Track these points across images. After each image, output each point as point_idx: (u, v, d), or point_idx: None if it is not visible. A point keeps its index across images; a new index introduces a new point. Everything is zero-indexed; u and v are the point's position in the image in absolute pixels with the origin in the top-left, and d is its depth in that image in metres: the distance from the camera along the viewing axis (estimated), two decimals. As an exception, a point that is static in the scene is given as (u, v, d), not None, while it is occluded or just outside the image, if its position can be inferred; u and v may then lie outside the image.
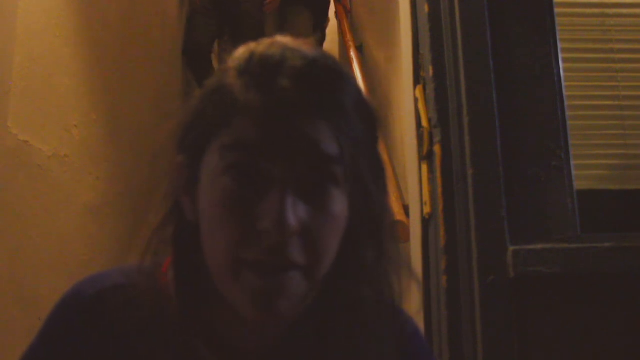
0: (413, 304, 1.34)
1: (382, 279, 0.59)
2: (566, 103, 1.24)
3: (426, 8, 1.29)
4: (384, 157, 2.17)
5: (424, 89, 1.31)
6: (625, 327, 1.12)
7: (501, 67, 1.22)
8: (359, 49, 3.68)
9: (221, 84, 0.55)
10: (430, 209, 1.25)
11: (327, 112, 0.51)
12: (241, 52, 0.56)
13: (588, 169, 1.35)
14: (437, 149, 1.23)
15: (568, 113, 1.24)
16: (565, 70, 1.27)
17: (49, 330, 0.62)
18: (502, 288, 1.11)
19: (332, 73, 0.54)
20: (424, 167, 1.28)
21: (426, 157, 1.27)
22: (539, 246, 1.12)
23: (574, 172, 1.21)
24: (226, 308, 0.55)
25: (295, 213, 0.49)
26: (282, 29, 3.95)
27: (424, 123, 1.27)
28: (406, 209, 1.84)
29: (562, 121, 1.22)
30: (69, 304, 0.62)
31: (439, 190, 1.20)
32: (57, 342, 0.61)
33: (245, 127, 0.51)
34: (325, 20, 4.37)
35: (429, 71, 1.27)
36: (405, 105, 1.47)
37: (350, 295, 0.56)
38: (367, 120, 0.56)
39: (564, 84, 1.24)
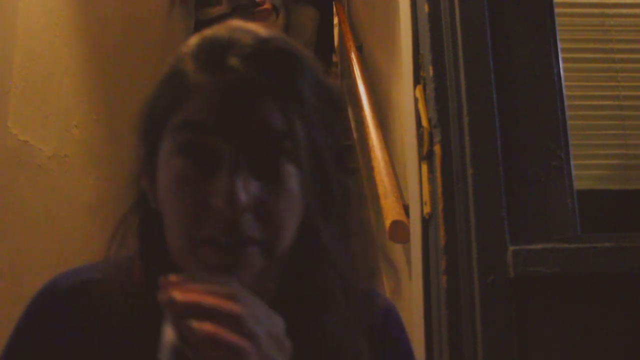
0: (413, 304, 1.34)
1: (347, 259, 0.58)
2: (566, 103, 1.24)
3: (426, 8, 1.29)
4: (384, 155, 2.17)
5: (424, 89, 1.31)
6: (625, 327, 1.12)
7: (501, 67, 1.22)
8: (359, 49, 3.68)
9: (174, 68, 0.56)
10: (430, 209, 1.25)
11: (278, 90, 0.52)
12: (194, 37, 0.57)
13: (588, 169, 1.35)
14: (437, 149, 1.23)
15: (568, 113, 1.24)
16: (565, 70, 1.27)
17: (26, 322, 0.63)
18: (502, 288, 1.11)
19: (283, 53, 0.54)
20: (424, 167, 1.28)
21: (426, 157, 1.27)
22: (539, 246, 1.12)
23: (574, 172, 1.21)
24: None
25: (247, 189, 0.49)
26: (285, 28, 3.97)
27: (424, 123, 1.27)
28: (406, 209, 1.84)
29: (562, 121, 1.22)
30: (46, 296, 0.63)
31: (439, 190, 1.20)
32: (34, 334, 0.61)
33: (195, 107, 0.52)
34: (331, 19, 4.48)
35: (429, 71, 1.27)
36: (405, 105, 1.47)
37: (313, 277, 0.56)
38: (325, 101, 0.56)
39: (564, 84, 1.24)
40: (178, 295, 0.45)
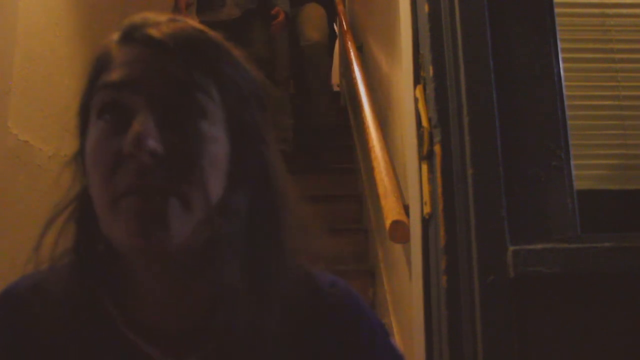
0: (413, 304, 1.34)
1: (279, 237, 0.59)
2: (566, 103, 1.24)
3: (426, 8, 1.29)
4: (384, 155, 2.16)
5: (424, 89, 1.31)
6: (625, 327, 1.12)
7: (501, 67, 1.22)
8: (359, 49, 3.68)
9: (100, 50, 0.60)
10: (430, 209, 1.25)
11: (192, 59, 0.55)
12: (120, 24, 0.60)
13: (588, 169, 1.35)
14: (437, 149, 1.23)
15: (568, 113, 1.24)
16: (565, 70, 1.27)
17: None
18: (502, 288, 1.11)
19: (201, 33, 0.57)
20: (424, 167, 1.28)
21: (426, 157, 1.27)
22: (539, 246, 1.12)
23: (574, 172, 1.21)
24: (140, 288, 0.57)
25: (156, 135, 0.51)
26: (295, 24, 3.84)
27: (424, 123, 1.27)
28: (406, 209, 1.84)
29: (562, 121, 1.22)
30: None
31: (439, 190, 1.20)
32: None
33: (113, 71, 0.55)
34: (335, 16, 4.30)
35: (429, 71, 1.27)
36: (405, 105, 1.47)
37: (248, 255, 0.56)
38: (245, 81, 0.59)
39: (564, 84, 1.24)
40: None
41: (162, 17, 0.57)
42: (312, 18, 3.84)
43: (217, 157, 0.55)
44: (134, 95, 0.53)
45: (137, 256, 0.55)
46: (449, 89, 1.24)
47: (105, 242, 0.57)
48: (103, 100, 0.54)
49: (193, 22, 0.59)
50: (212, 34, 0.59)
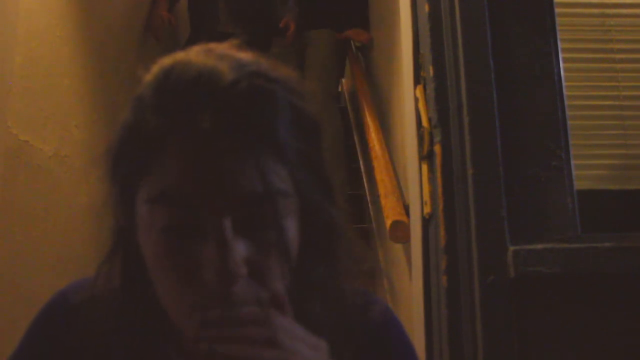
0: (413, 304, 1.34)
1: (337, 293, 0.58)
2: (566, 103, 1.24)
3: (426, 8, 1.29)
4: (384, 155, 2.16)
5: (424, 89, 1.31)
6: (625, 327, 1.12)
7: (501, 67, 1.22)
8: (359, 49, 3.68)
9: (137, 111, 0.52)
10: (430, 209, 1.25)
11: (254, 145, 0.49)
12: (155, 72, 0.52)
13: (588, 169, 1.35)
14: (437, 149, 1.23)
15: (568, 113, 1.24)
16: (565, 70, 1.27)
17: (32, 335, 0.63)
18: (502, 288, 1.11)
19: (260, 96, 0.50)
20: (424, 167, 1.28)
21: (426, 157, 1.27)
22: (539, 246, 1.12)
23: (574, 172, 1.21)
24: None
25: (236, 256, 0.47)
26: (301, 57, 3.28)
27: (424, 123, 1.27)
28: (406, 209, 1.84)
29: (562, 121, 1.22)
30: (53, 310, 0.62)
31: (439, 190, 1.20)
32: (40, 348, 0.61)
33: (168, 176, 0.49)
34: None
35: (429, 71, 1.27)
36: (406, 105, 1.47)
37: (306, 312, 0.54)
38: (307, 132, 0.54)
39: (564, 84, 1.24)
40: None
41: (214, 81, 0.49)
42: (319, 59, 3.20)
43: (294, 246, 0.52)
44: (201, 213, 0.48)
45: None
46: (449, 89, 1.24)
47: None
48: (165, 216, 0.49)
49: (254, 72, 0.50)
50: (277, 81, 0.51)
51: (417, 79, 1.34)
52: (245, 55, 0.54)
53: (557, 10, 1.29)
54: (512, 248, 1.12)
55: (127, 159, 0.53)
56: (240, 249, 0.48)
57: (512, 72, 1.23)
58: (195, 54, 0.52)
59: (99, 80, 2.24)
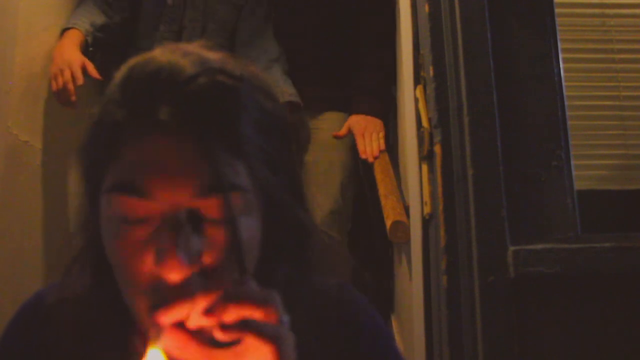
0: (414, 304, 1.34)
1: (304, 291, 0.57)
2: (566, 103, 1.24)
3: (426, 8, 1.29)
4: (384, 155, 2.14)
5: (424, 89, 1.31)
6: (625, 327, 1.12)
7: (501, 67, 1.22)
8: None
9: (102, 112, 0.54)
10: (430, 209, 1.25)
11: (213, 140, 0.49)
12: (122, 70, 0.54)
13: (588, 169, 1.35)
14: (437, 149, 1.23)
15: (568, 113, 1.24)
16: (565, 70, 1.27)
17: (8, 337, 0.63)
18: (502, 288, 1.11)
19: (220, 92, 0.51)
20: (424, 167, 1.28)
21: (426, 157, 1.27)
22: (539, 246, 1.12)
23: (574, 172, 1.21)
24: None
25: (190, 250, 0.48)
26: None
27: (424, 123, 1.27)
28: (407, 209, 1.84)
29: (562, 121, 1.22)
30: (28, 311, 0.63)
31: (439, 190, 1.20)
32: (14, 349, 0.62)
33: (125, 167, 0.50)
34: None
35: (429, 71, 1.27)
36: (406, 105, 1.47)
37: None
38: (272, 131, 0.54)
39: (564, 84, 1.25)
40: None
41: (177, 74, 0.50)
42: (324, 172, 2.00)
43: (253, 246, 0.52)
44: (155, 204, 0.49)
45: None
46: (449, 89, 1.24)
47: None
48: (119, 206, 0.50)
49: (217, 69, 0.51)
50: (241, 78, 0.52)
51: (417, 79, 1.34)
52: (212, 54, 0.54)
53: (557, 10, 1.29)
54: (512, 248, 1.12)
55: (93, 152, 0.54)
56: (193, 242, 0.48)
57: (512, 72, 1.23)
58: (161, 52, 0.53)
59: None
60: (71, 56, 1.62)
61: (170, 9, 1.90)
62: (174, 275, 0.47)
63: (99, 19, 1.81)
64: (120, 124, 0.51)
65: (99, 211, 0.53)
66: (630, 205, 1.33)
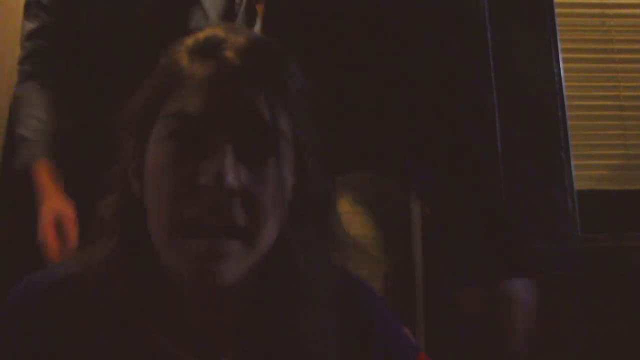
0: (415, 304, 1.34)
1: (323, 255, 0.59)
2: (566, 103, 1.24)
3: (426, 8, 1.29)
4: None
5: (424, 89, 1.31)
6: (625, 326, 1.12)
7: (501, 67, 1.22)
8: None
9: (168, 60, 0.57)
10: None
11: (267, 84, 0.53)
12: (188, 37, 0.58)
13: (588, 169, 1.35)
14: (437, 149, 1.23)
15: (568, 113, 1.24)
16: (565, 70, 1.27)
17: (3, 323, 0.59)
18: (502, 288, 1.11)
19: (273, 51, 0.56)
20: (424, 167, 1.28)
21: (426, 157, 1.27)
22: (539, 246, 1.12)
23: (574, 172, 1.21)
24: (176, 290, 0.56)
25: (236, 173, 0.50)
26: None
27: (424, 123, 1.27)
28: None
29: (562, 121, 1.22)
30: (21, 296, 0.60)
31: (439, 190, 1.20)
32: (6, 334, 0.58)
33: (188, 96, 0.53)
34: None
35: (429, 71, 1.27)
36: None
37: (293, 272, 0.56)
38: (311, 103, 0.57)
39: (564, 84, 1.25)
40: None
41: (240, 36, 0.56)
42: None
43: (284, 197, 0.54)
44: (212, 127, 0.51)
45: (191, 286, 0.53)
46: (449, 89, 1.24)
47: (148, 252, 0.55)
48: (178, 127, 0.52)
49: (271, 40, 0.58)
50: (288, 53, 0.57)
51: (417, 79, 1.34)
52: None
53: (557, 10, 1.29)
54: (512, 248, 1.12)
55: (152, 95, 0.56)
56: (240, 170, 0.51)
57: (512, 72, 1.23)
58: (214, 29, 0.59)
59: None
60: (62, 208, 1.38)
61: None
62: (215, 200, 0.49)
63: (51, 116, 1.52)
64: (187, 65, 0.55)
65: (144, 157, 0.55)
66: (630, 205, 1.33)
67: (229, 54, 0.54)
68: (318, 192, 0.58)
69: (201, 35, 0.57)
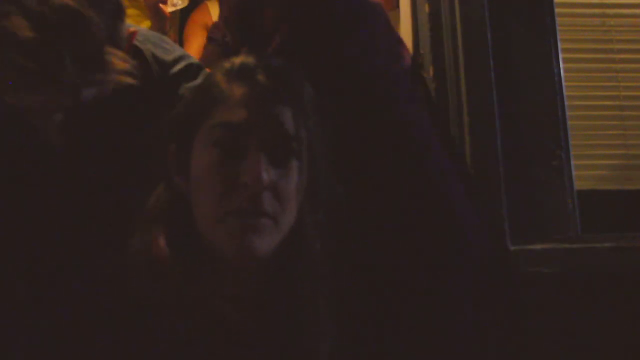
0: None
1: (324, 236, 0.74)
2: (566, 103, 1.24)
3: (426, 8, 1.29)
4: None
5: (424, 89, 1.31)
6: (625, 326, 1.12)
7: (501, 67, 1.22)
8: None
9: (209, 82, 0.74)
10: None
11: (290, 101, 0.70)
12: (223, 63, 0.74)
13: (588, 169, 1.35)
14: (437, 149, 1.23)
15: (568, 113, 1.24)
16: (565, 70, 1.27)
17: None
18: (502, 288, 1.11)
19: (294, 75, 0.74)
20: (424, 167, 1.28)
21: (426, 157, 1.27)
22: (539, 246, 1.12)
23: (574, 172, 1.21)
24: (215, 267, 0.70)
25: (268, 172, 0.67)
26: None
27: (424, 123, 1.27)
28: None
29: (562, 121, 1.22)
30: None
31: (439, 190, 1.20)
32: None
33: (229, 110, 0.69)
34: None
35: (429, 71, 1.27)
36: (406, 105, 1.46)
37: (304, 249, 0.72)
38: (317, 112, 0.74)
39: (564, 84, 1.25)
40: None
41: (264, 62, 0.72)
42: None
43: (300, 187, 0.71)
44: (249, 136, 0.68)
45: (231, 258, 0.68)
46: (449, 89, 1.24)
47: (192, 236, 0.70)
48: (221, 135, 0.69)
49: (290, 65, 0.74)
50: (301, 72, 0.74)
51: (417, 79, 1.34)
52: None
53: (557, 10, 1.29)
54: (512, 248, 1.12)
55: (194, 109, 0.73)
56: (270, 170, 0.68)
57: (512, 72, 1.23)
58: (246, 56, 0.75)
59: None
60: None
61: None
62: (252, 191, 0.66)
63: None
64: (226, 86, 0.71)
65: (189, 159, 0.71)
66: (630, 205, 1.33)
67: (261, 77, 0.70)
68: (327, 186, 0.74)
69: (236, 61, 0.73)
